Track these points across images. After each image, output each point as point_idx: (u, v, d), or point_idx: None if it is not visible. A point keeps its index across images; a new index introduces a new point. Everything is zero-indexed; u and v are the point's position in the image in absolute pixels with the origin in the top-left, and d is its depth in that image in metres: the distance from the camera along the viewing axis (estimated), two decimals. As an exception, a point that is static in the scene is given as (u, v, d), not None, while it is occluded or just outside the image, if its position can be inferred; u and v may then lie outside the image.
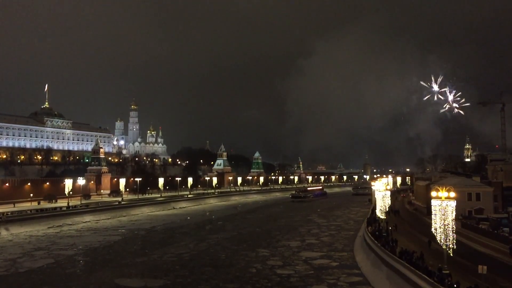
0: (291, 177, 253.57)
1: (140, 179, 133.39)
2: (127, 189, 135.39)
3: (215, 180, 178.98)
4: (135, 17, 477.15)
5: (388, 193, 61.75)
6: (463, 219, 61.96)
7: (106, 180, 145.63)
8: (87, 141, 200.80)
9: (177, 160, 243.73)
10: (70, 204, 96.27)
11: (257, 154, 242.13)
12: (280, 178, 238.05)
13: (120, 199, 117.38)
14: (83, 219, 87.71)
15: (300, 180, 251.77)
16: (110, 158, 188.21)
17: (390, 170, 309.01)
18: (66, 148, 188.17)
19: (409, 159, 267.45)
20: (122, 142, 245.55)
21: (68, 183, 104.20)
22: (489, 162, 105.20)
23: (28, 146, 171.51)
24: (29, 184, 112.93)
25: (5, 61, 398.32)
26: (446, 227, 31.71)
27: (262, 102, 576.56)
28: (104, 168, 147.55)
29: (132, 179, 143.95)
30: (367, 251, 48.09)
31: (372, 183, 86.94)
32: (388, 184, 73.58)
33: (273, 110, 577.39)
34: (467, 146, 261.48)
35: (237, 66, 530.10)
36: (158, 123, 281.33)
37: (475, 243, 50.41)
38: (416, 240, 53.84)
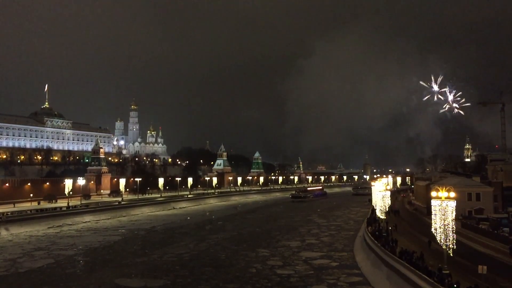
0: (291, 177, 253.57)
1: (140, 179, 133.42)
2: (127, 189, 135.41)
3: (215, 180, 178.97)
4: (135, 17, 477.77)
5: (388, 193, 61.73)
6: (463, 219, 61.93)
7: (106, 180, 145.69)
8: (87, 141, 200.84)
9: (177, 160, 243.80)
10: (70, 204, 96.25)
11: (257, 154, 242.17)
12: (280, 178, 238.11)
13: (120, 199, 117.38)
14: (83, 219, 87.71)
15: (300, 180, 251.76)
16: (110, 158, 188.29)
17: (390, 170, 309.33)
18: (66, 148, 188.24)
19: (409, 159, 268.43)
20: (122, 142, 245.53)
21: (68, 183, 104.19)
22: (489, 162, 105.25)
23: (28, 146, 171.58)
24: (29, 184, 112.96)
25: (5, 61, 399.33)
26: (446, 227, 31.70)
27: (262, 102, 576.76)
28: (104, 168, 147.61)
29: (132, 179, 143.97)
30: (367, 251, 48.09)
31: (372, 183, 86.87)
32: (388, 184, 73.61)
33: (273, 110, 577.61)
34: (467, 146, 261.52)
35: (237, 66, 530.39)
36: (158, 123, 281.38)
37: (475, 243, 50.39)
38: (416, 240, 53.82)
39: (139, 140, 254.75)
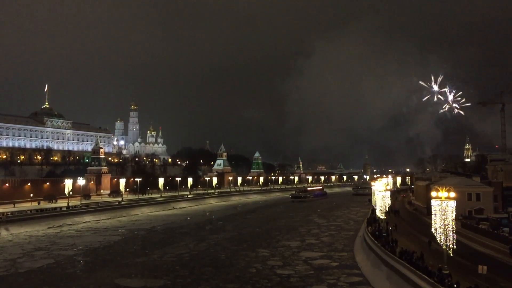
0: (291, 177, 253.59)
1: (140, 179, 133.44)
2: (127, 189, 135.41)
3: (215, 180, 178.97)
4: (135, 17, 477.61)
5: (388, 193, 61.72)
6: (463, 219, 61.93)
7: (106, 180, 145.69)
8: (87, 141, 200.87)
9: (177, 160, 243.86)
10: (70, 204, 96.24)
11: (257, 154, 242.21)
12: (280, 178, 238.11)
13: (120, 199, 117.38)
14: (83, 219, 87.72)
15: (300, 180, 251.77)
16: (110, 158, 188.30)
17: (390, 170, 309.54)
18: (66, 148, 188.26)
19: (409, 159, 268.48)
20: (122, 142, 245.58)
21: (68, 183, 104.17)
22: (489, 162, 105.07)
23: (28, 146, 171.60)
24: (29, 184, 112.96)
25: (5, 61, 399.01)
26: (446, 227, 31.70)
27: (262, 102, 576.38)
28: (104, 168, 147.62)
29: (132, 179, 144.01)
30: (367, 251, 48.09)
31: (372, 183, 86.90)
32: (388, 184, 73.58)
33: (273, 110, 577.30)
34: (467, 146, 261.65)
35: (237, 66, 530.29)
36: (158, 123, 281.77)
37: (475, 243, 50.38)
38: (416, 240, 53.81)
39: (139, 140, 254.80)
